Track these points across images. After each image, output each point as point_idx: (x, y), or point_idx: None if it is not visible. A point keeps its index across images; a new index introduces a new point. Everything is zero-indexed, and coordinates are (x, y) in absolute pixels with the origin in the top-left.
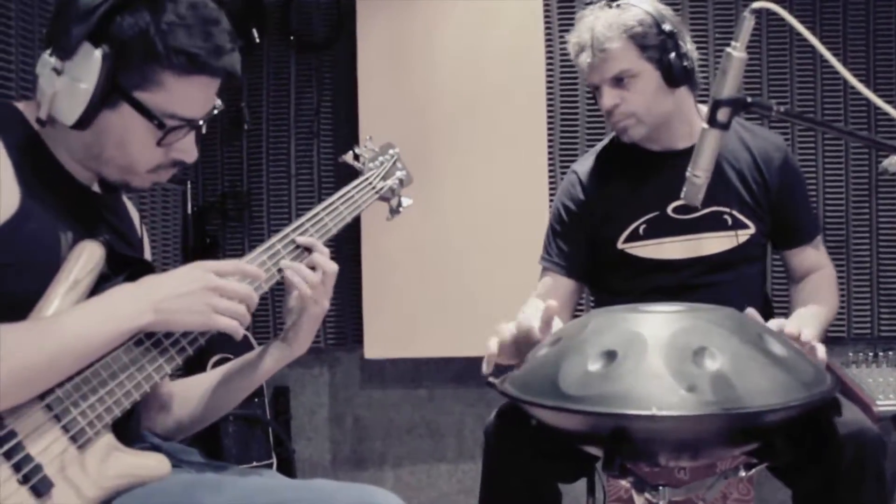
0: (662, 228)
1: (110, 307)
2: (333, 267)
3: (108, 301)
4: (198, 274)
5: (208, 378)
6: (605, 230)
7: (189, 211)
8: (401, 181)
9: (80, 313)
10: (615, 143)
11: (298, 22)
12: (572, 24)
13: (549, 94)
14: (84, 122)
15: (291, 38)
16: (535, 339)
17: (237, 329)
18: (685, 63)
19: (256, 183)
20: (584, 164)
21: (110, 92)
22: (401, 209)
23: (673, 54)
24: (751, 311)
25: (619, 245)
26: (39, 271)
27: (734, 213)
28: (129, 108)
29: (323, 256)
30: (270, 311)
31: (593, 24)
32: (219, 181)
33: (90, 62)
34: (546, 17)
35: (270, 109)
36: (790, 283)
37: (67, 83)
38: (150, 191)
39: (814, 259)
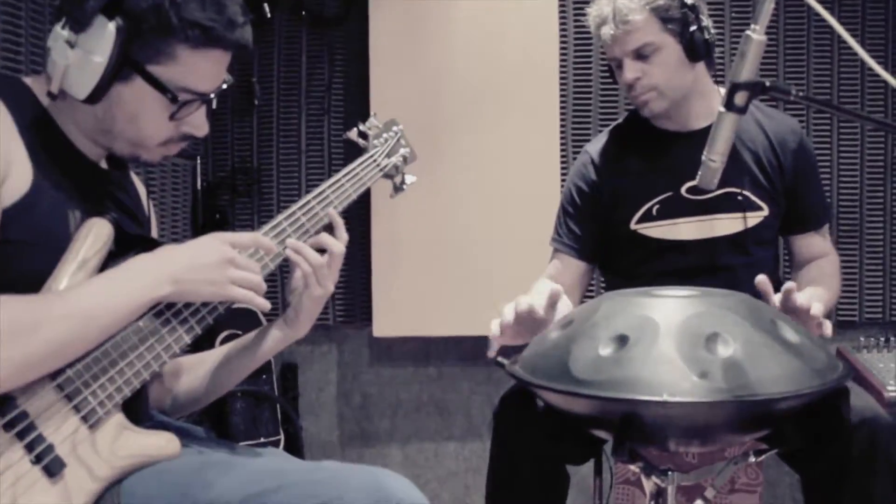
0: (676, 209)
1: (129, 278)
2: (340, 248)
3: (127, 272)
4: (215, 244)
5: (211, 356)
6: (617, 210)
7: (199, 186)
8: (404, 158)
9: (101, 284)
10: (630, 121)
11: None
12: (587, 4)
13: (562, 73)
14: (96, 95)
15: (303, 13)
16: (539, 318)
17: (253, 299)
18: (706, 37)
19: (266, 159)
20: (597, 144)
21: (123, 65)
22: (404, 187)
23: (694, 28)
24: (762, 279)
25: (632, 226)
26: (49, 249)
27: (748, 194)
28: (141, 82)
29: (331, 238)
30: (279, 289)
31: None
32: (229, 156)
33: (104, 35)
34: None
35: (281, 85)
36: (793, 268)
37: (80, 56)
38: (160, 165)
39: (820, 246)
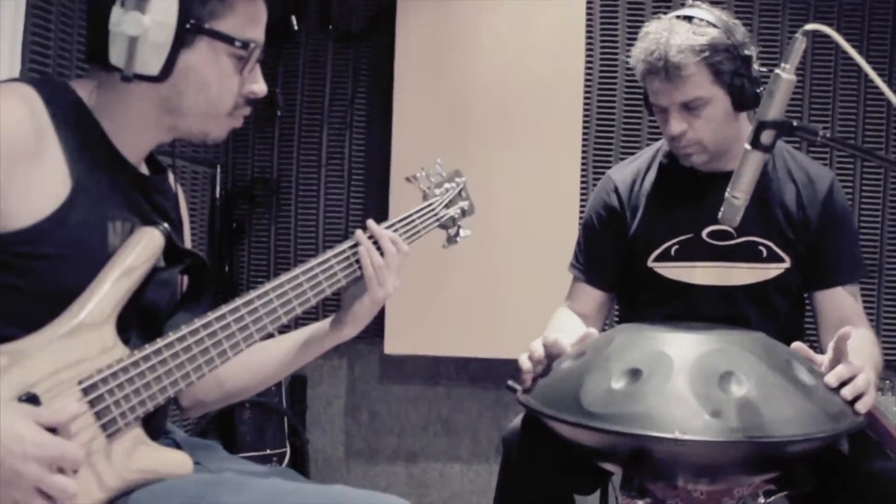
0: (694, 252)
1: None
2: (404, 248)
3: None
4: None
5: (274, 346)
6: (636, 245)
7: (217, 195)
8: (463, 211)
9: None
10: (661, 156)
11: (338, 12)
12: (615, 25)
13: (586, 92)
14: (168, 68)
15: (330, 27)
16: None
17: None
18: (757, 90)
19: (286, 170)
20: (622, 173)
21: (186, 30)
22: (458, 240)
23: (745, 79)
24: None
25: (649, 263)
26: (86, 262)
27: (770, 244)
28: (206, 43)
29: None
30: None
31: (667, 42)
32: (249, 167)
33: (167, 2)
34: (588, 13)
35: (305, 97)
36: (820, 331)
37: (152, 26)
38: (181, 172)
39: (850, 307)
